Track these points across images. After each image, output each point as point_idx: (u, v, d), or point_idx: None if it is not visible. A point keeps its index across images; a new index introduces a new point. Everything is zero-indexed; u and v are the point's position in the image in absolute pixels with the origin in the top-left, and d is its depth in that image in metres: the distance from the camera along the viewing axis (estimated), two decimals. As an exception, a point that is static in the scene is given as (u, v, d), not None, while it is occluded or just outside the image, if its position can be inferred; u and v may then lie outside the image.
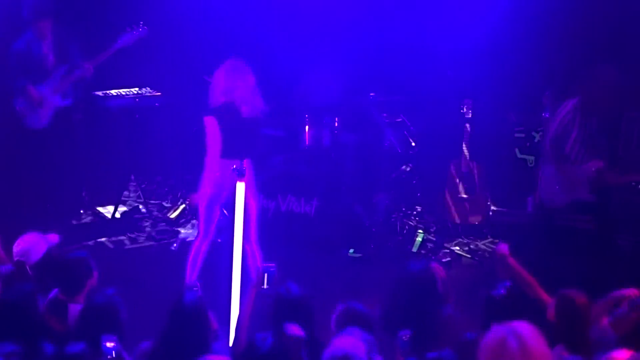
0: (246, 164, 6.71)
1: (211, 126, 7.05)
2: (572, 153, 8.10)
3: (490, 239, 9.36)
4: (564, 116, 7.99)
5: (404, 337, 5.14)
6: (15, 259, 6.08)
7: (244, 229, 6.56)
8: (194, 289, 5.86)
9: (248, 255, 7.13)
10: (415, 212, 9.55)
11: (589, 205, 7.88)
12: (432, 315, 5.45)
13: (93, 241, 8.93)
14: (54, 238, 6.32)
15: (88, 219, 9.62)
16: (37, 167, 8.92)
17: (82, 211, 9.61)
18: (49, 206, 8.98)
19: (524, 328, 3.89)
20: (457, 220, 9.42)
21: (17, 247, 6.14)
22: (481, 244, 9.33)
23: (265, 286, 5.77)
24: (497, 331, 3.90)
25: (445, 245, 9.17)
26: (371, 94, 9.52)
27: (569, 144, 8.11)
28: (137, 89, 9.62)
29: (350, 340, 4.69)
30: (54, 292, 5.78)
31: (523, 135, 9.82)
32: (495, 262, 6.25)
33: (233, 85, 7.11)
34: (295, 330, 4.94)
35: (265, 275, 5.77)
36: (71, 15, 9.28)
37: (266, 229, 8.46)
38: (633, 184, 8.48)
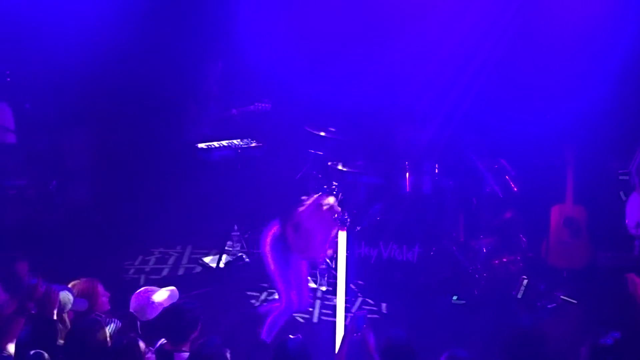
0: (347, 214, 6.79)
1: None
2: None
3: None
4: None
5: None
6: (132, 311, 6.22)
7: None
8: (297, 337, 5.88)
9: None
10: (519, 258, 9.42)
11: None
12: None
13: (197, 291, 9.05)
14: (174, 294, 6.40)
15: (197, 269, 9.79)
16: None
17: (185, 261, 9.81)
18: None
19: None
20: (563, 265, 9.27)
21: (135, 302, 6.26)
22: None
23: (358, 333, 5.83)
24: None
25: (551, 290, 9.03)
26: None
27: None
28: (239, 140, 9.80)
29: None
30: (160, 342, 5.85)
31: (627, 177, 9.65)
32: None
33: None
34: None
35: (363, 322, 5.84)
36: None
37: (369, 277, 8.50)
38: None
